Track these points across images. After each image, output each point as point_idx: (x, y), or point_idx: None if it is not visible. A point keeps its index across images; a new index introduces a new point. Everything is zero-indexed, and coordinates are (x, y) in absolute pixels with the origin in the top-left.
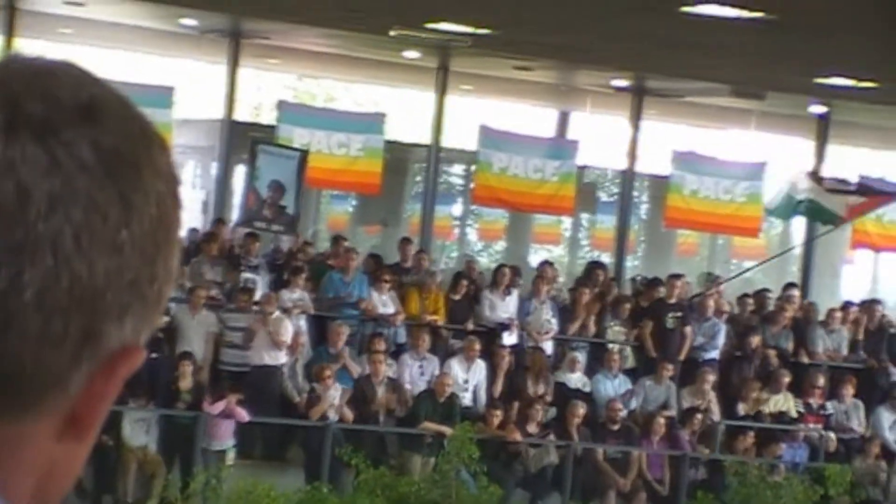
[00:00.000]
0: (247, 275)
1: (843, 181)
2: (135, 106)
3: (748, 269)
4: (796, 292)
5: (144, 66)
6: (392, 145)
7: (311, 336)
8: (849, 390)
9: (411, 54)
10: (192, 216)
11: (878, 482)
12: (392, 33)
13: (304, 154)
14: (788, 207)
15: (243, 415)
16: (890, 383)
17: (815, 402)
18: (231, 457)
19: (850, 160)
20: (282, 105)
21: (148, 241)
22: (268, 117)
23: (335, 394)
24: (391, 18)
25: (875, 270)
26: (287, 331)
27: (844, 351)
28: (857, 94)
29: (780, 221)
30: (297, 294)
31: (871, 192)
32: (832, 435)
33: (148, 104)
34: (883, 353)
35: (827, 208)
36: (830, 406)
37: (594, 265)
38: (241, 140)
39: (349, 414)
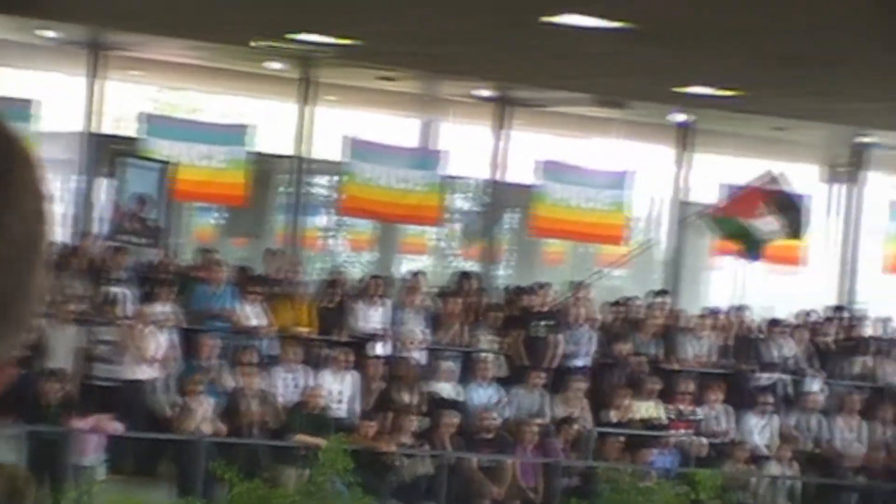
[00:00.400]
0: (114, 289)
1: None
2: (3, 121)
3: (596, 273)
4: (663, 299)
5: (4, 79)
6: (257, 157)
7: (181, 349)
8: (717, 395)
9: (274, 65)
10: (55, 230)
11: (748, 486)
12: (253, 44)
13: (168, 166)
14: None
15: (116, 426)
16: (757, 388)
17: (684, 407)
18: (102, 472)
19: (712, 168)
20: (144, 117)
21: (15, 258)
22: (131, 130)
23: (206, 407)
24: (252, 29)
25: (740, 277)
26: (155, 345)
27: (712, 357)
28: (718, 102)
29: (644, 229)
30: (166, 307)
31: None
32: (702, 440)
33: (8, 117)
34: (750, 359)
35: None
36: (699, 411)
37: (463, 275)
38: (104, 153)
39: (222, 427)
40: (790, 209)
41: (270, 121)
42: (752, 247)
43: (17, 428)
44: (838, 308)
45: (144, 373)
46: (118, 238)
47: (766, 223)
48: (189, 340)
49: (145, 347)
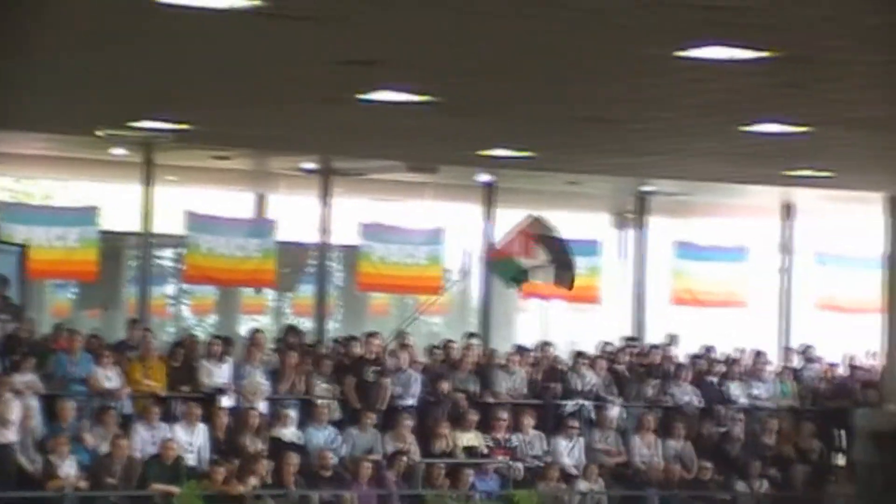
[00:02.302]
0: None
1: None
2: None
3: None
4: (476, 341)
5: None
6: (106, 235)
7: (43, 413)
8: (530, 423)
9: (118, 151)
10: None
11: (561, 502)
12: (98, 133)
13: (24, 249)
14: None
15: None
16: (564, 414)
17: (501, 436)
18: None
19: (516, 220)
20: (2, 205)
21: None
22: None
23: (70, 465)
24: (97, 120)
25: (545, 316)
26: (15, 411)
27: (524, 389)
28: (517, 162)
29: (461, 278)
30: (26, 377)
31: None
32: (518, 464)
33: None
34: (556, 389)
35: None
36: (515, 439)
37: (289, 329)
38: None
39: (84, 483)
40: (555, 248)
41: (117, 201)
42: (518, 278)
43: None
44: (631, 339)
45: (7, 437)
46: None
47: (536, 261)
48: (50, 406)
49: (7, 414)
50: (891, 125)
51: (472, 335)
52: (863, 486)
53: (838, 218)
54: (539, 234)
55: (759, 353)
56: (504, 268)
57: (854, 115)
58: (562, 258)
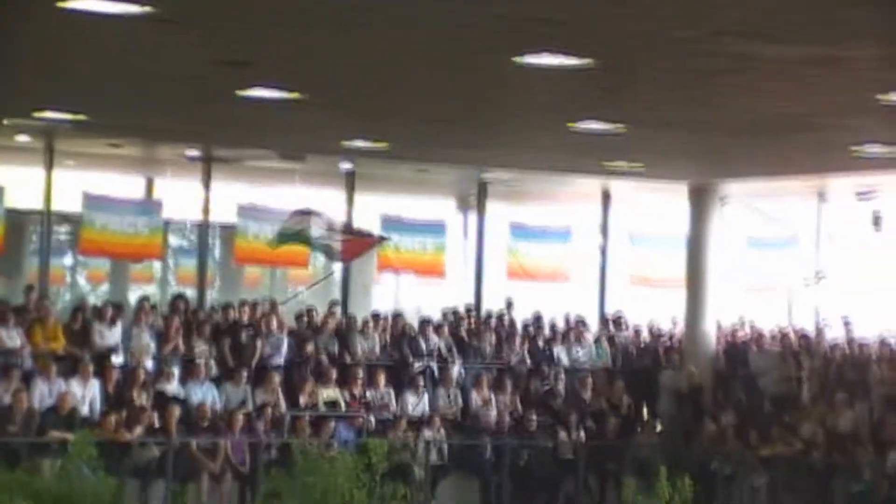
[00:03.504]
0: None
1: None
2: None
3: (293, 294)
4: (338, 308)
5: None
6: (11, 212)
7: None
8: (382, 380)
9: (23, 138)
10: None
11: (409, 448)
12: (5, 122)
13: None
14: (289, 239)
15: None
16: (413, 374)
17: (357, 391)
18: None
19: (373, 205)
20: None
21: None
22: None
23: None
24: (4, 109)
25: (398, 288)
26: None
27: (377, 351)
28: (374, 152)
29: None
30: None
31: (356, 235)
32: (371, 416)
33: None
34: (405, 350)
35: (333, 247)
36: (369, 394)
37: (177, 297)
38: None
39: None
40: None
41: (21, 183)
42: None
43: None
44: (470, 309)
45: None
46: None
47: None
48: None
49: None
50: (691, 125)
51: (333, 303)
52: (665, 436)
53: (648, 204)
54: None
55: (579, 321)
56: (291, 235)
57: (661, 115)
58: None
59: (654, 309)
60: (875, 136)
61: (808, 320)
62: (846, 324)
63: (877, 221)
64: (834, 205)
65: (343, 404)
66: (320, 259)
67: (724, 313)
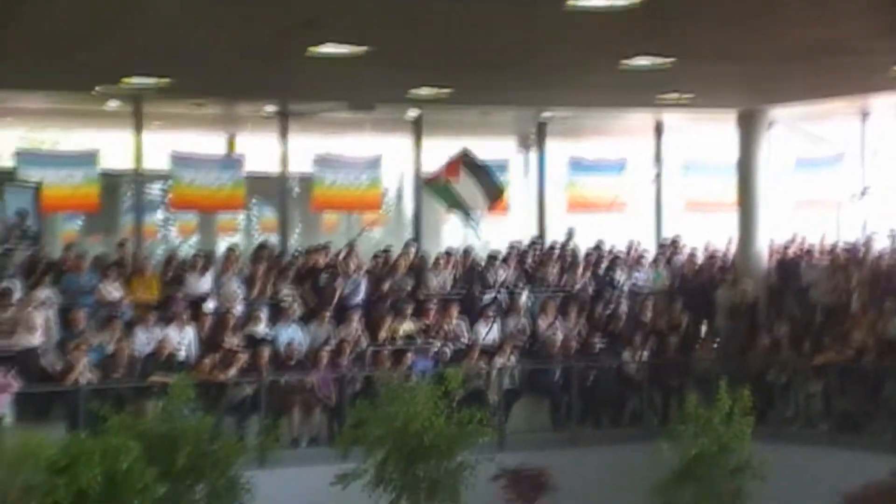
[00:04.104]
0: (5, 282)
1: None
2: None
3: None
4: (412, 247)
5: None
6: (105, 174)
7: (58, 322)
8: (455, 313)
9: (113, 104)
10: None
11: (481, 376)
12: (97, 89)
13: (38, 187)
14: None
15: (14, 383)
16: (483, 305)
17: (432, 324)
18: (8, 420)
19: (440, 148)
20: (19, 152)
21: None
22: (9, 163)
23: (84, 363)
24: (94, 78)
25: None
26: (39, 320)
27: (449, 285)
28: (439, 99)
29: (394, 197)
30: (46, 292)
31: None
32: (446, 346)
33: None
34: (475, 284)
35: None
36: (444, 326)
37: (261, 245)
38: None
39: (95, 377)
40: (480, 171)
41: (113, 146)
42: (465, 215)
43: None
44: (534, 241)
45: (32, 341)
46: (5, 245)
47: (467, 186)
48: (65, 315)
49: (32, 323)
50: (736, 55)
51: (409, 243)
52: (723, 351)
53: (699, 133)
54: (465, 161)
55: (637, 247)
56: (441, 193)
57: (707, 48)
58: (487, 180)
59: (708, 233)
60: None
61: (856, 233)
62: (892, 236)
63: None
64: (876, 123)
65: (419, 338)
66: (392, 200)
67: (775, 231)
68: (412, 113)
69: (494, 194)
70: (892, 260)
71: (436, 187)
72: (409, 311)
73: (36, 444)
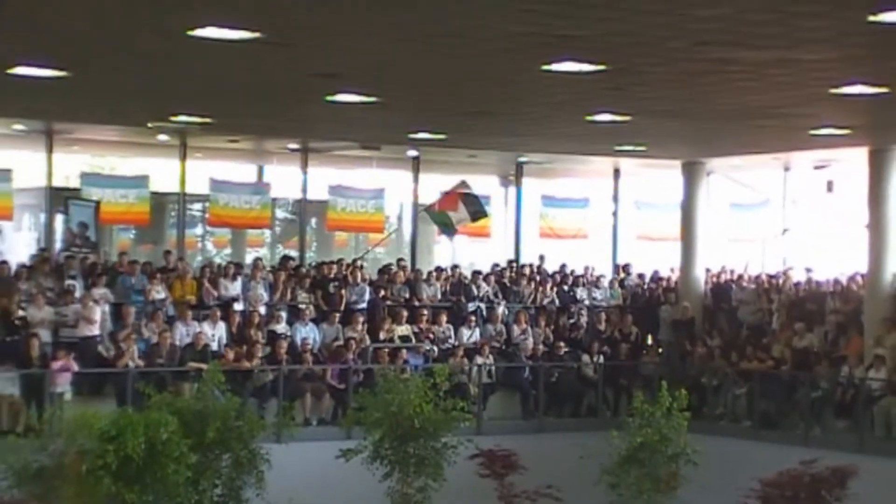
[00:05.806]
0: (69, 282)
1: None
2: None
3: (365, 252)
4: (406, 264)
5: None
6: (155, 194)
7: (112, 316)
8: (443, 319)
9: (162, 137)
10: (30, 248)
11: (464, 372)
12: (149, 125)
13: (98, 204)
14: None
15: (74, 366)
16: (467, 313)
17: (423, 328)
18: (68, 396)
19: (435, 185)
20: (83, 175)
21: None
22: (75, 183)
23: (132, 350)
24: (147, 116)
25: (454, 247)
26: (97, 314)
27: (439, 296)
28: (433, 142)
29: (396, 222)
30: (102, 291)
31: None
32: (435, 347)
33: None
34: (461, 296)
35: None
36: (434, 329)
37: (284, 258)
38: (58, 199)
39: (142, 362)
40: (473, 202)
41: (162, 172)
42: (449, 230)
43: (13, 371)
44: (511, 262)
45: (90, 331)
46: (70, 250)
47: (458, 213)
48: (118, 310)
49: (91, 316)
50: (683, 115)
51: (400, 260)
52: (665, 357)
53: (650, 177)
54: (462, 192)
55: (593, 270)
56: (440, 219)
57: (659, 108)
58: (475, 207)
59: (656, 260)
60: (827, 121)
61: (777, 265)
62: (807, 269)
63: (829, 187)
64: (796, 175)
65: (413, 338)
66: (393, 224)
67: (711, 261)
68: (412, 152)
69: (478, 216)
70: (806, 289)
71: (432, 214)
72: (405, 316)
73: (90, 416)
